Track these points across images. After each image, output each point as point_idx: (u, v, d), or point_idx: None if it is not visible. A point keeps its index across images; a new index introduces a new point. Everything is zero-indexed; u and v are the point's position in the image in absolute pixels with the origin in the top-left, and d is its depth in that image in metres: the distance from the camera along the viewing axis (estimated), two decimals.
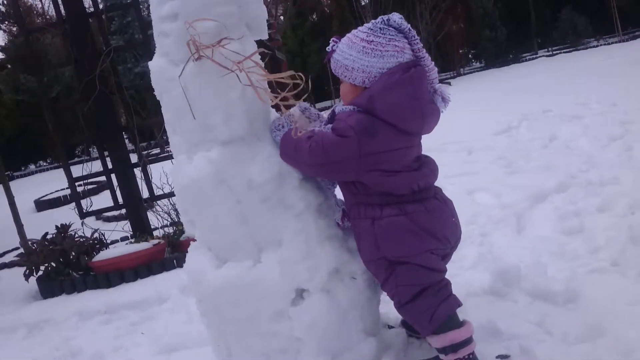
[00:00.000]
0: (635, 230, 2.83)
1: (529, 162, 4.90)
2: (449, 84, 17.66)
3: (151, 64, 2.10)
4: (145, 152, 4.69)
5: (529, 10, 23.63)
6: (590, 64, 13.33)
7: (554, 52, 21.11)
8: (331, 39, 2.04)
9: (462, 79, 20.07)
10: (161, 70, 2.06)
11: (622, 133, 5.05)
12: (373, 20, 1.97)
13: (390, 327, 2.37)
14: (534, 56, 22.05)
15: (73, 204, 4.85)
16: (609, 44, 19.69)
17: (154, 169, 4.79)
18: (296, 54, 22.28)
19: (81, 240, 4.37)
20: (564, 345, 2.05)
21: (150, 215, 4.87)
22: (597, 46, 20.05)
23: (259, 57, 2.01)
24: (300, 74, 1.87)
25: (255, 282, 2.00)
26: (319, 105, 23.59)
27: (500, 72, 18.29)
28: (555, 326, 2.16)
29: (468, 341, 1.91)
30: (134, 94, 5.17)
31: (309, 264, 2.02)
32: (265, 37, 2.18)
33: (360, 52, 1.92)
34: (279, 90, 1.90)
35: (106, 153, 4.70)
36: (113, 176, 4.70)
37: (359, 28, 1.98)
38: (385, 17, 1.95)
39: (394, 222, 1.93)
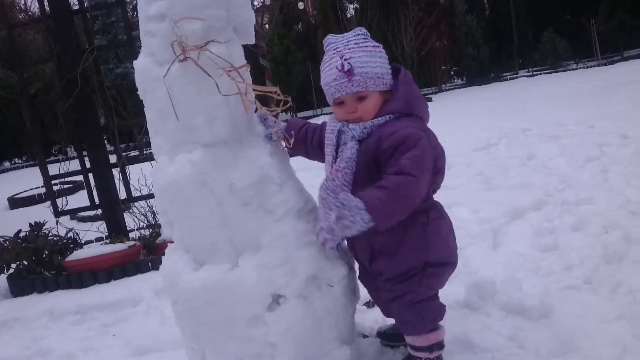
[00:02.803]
0: (609, 249, 2.88)
1: (506, 179, 4.95)
2: (430, 99, 17.83)
3: (136, 63, 2.09)
4: (125, 153, 4.63)
5: (512, 30, 24.00)
6: (569, 86, 13.57)
7: (535, 73, 21.44)
8: (341, 59, 1.90)
9: (443, 94, 20.27)
10: (146, 69, 2.05)
11: (598, 155, 5.14)
12: (352, 32, 1.99)
13: (364, 336, 2.38)
14: (515, 76, 22.40)
15: (48, 203, 4.78)
16: (587, 67, 20.06)
17: (133, 170, 4.74)
18: (281, 62, 22.33)
19: (55, 239, 4.30)
20: (536, 359, 2.07)
21: (126, 216, 4.82)
22: (576, 69, 20.42)
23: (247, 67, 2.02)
24: (286, 97, 1.95)
25: (232, 286, 1.99)
26: (301, 114, 23.62)
27: (481, 90, 18.52)
28: (528, 340, 2.18)
29: (443, 342, 2.06)
30: (115, 94, 5.11)
31: (286, 269, 2.01)
32: (252, 42, 2.18)
33: (381, 57, 1.95)
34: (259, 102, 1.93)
35: (84, 152, 4.65)
36: (90, 176, 4.64)
37: (351, 39, 1.96)
38: (355, 30, 2.00)
39: (440, 225, 1.99)
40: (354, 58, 1.89)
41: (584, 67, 20.23)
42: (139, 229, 4.76)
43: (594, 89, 11.46)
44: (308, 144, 2.18)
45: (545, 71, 21.44)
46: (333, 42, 1.98)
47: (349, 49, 1.91)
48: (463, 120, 9.99)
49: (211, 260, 2.06)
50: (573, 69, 20.51)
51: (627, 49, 21.64)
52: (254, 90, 1.96)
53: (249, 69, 1.98)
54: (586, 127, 6.70)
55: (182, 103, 1.98)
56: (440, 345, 2.04)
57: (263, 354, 2.03)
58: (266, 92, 2.00)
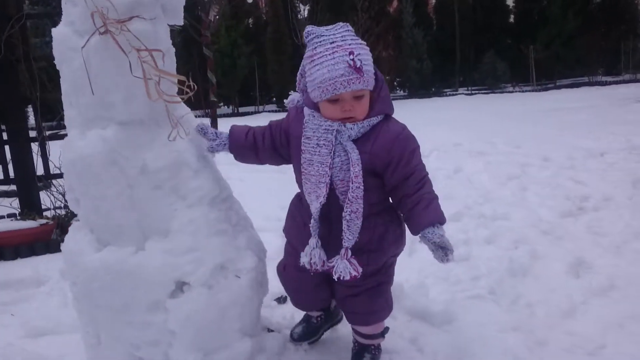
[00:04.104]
0: (515, 262, 3.00)
1: None
2: None
3: (54, 31, 2.00)
4: (47, 129, 4.44)
5: (455, 49, 24.65)
6: (504, 107, 14.07)
7: (473, 92, 22.15)
8: (351, 55, 1.79)
9: None
10: (64, 38, 1.96)
11: (519, 174, 5.34)
12: (339, 26, 1.87)
13: (270, 330, 2.37)
14: (455, 93, 23.06)
15: None
16: (523, 91, 20.89)
17: (53, 146, 4.55)
18: (226, 54, 22.08)
19: None
20: None
21: (43, 195, 4.62)
22: (512, 92, 21.22)
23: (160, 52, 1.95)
24: (192, 83, 1.88)
25: (135, 270, 1.93)
26: (243, 109, 23.43)
27: (421, 103, 18.91)
28: (428, 345, 2.24)
29: None
30: (46, 66, 4.89)
31: (193, 257, 1.98)
32: (180, 22, 2.13)
33: (370, 55, 1.87)
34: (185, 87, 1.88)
35: (2, 124, 4.42)
36: (7, 148, 4.42)
37: (344, 33, 1.84)
38: (341, 25, 1.89)
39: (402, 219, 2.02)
40: (361, 55, 1.80)
41: (520, 91, 21.05)
42: (55, 208, 4.57)
43: (526, 112, 11.92)
44: (259, 148, 2.07)
45: (483, 91, 22.18)
46: (327, 35, 1.83)
47: (357, 44, 1.82)
48: None
49: (116, 242, 2.00)
50: (510, 92, 21.30)
51: (560, 78, 22.69)
52: (161, 75, 1.88)
53: (162, 56, 1.90)
54: (513, 146, 6.95)
55: (99, 77, 1.90)
56: (386, 329, 2.16)
57: (161, 341, 1.98)
58: (173, 78, 1.93)
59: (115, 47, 1.84)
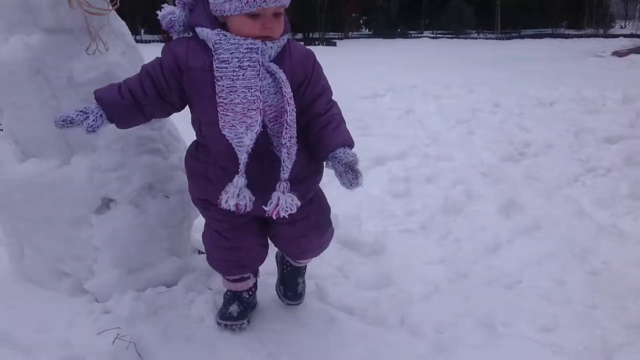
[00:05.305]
0: (449, 201, 3.07)
1: (381, 128, 5.09)
2: (335, 44, 17.83)
3: None
4: None
5: None
6: (466, 53, 14.05)
7: (438, 36, 22.00)
8: None
9: (348, 42, 20.28)
10: None
11: (469, 118, 5.39)
12: None
13: (200, 252, 2.38)
14: (420, 35, 22.84)
15: None
16: (487, 38, 20.85)
17: None
18: None
19: None
20: (354, 289, 2.20)
21: None
22: (477, 38, 21.16)
23: None
24: None
25: (59, 184, 1.91)
26: None
27: (385, 43, 18.71)
28: (353, 272, 2.30)
29: None
30: None
31: (120, 174, 1.96)
32: None
33: None
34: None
35: None
36: None
37: None
38: None
39: None
40: None
41: (484, 38, 21.01)
42: None
43: (486, 59, 11.95)
44: (143, 103, 1.70)
45: (448, 35, 22.05)
46: None
47: None
48: (358, 69, 10.08)
49: (40, 154, 1.96)
50: (474, 38, 21.24)
51: (525, 28, 22.74)
52: None
53: None
54: (466, 91, 7.00)
55: None
56: None
57: (85, 256, 1.98)
58: None
59: None
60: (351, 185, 1.65)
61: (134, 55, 2.12)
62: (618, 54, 12.47)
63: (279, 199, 1.62)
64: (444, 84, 7.62)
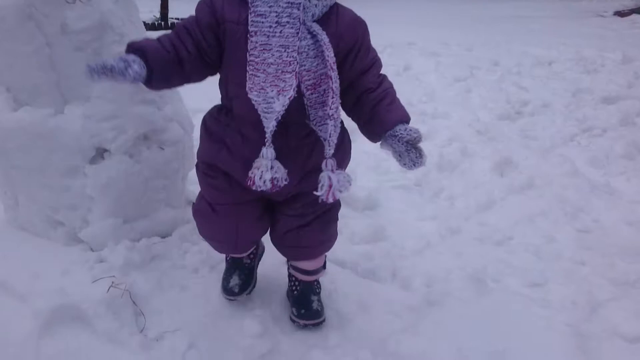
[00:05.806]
0: (444, 158, 3.08)
1: None
2: None
3: None
4: None
5: None
6: (465, 10, 13.81)
7: None
8: None
9: None
10: None
11: (466, 76, 5.35)
12: None
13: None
14: None
15: None
16: None
17: None
18: None
19: None
20: (348, 243, 2.22)
21: None
22: None
23: None
24: None
25: (53, 133, 1.89)
26: None
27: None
28: (347, 227, 2.31)
29: None
30: None
31: (114, 124, 1.95)
32: None
33: None
34: None
35: None
36: None
37: None
38: None
39: None
40: None
41: None
42: None
43: (486, 17, 11.77)
44: (185, 59, 1.47)
45: None
46: None
47: None
48: None
49: (33, 102, 1.94)
50: None
51: None
52: None
53: None
54: (465, 49, 6.92)
55: None
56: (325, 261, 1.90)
57: (79, 206, 1.98)
58: None
59: None
60: (414, 165, 1.49)
61: (128, 3, 2.08)
62: (620, 14, 12.31)
63: (330, 179, 1.42)
64: (443, 42, 7.52)
